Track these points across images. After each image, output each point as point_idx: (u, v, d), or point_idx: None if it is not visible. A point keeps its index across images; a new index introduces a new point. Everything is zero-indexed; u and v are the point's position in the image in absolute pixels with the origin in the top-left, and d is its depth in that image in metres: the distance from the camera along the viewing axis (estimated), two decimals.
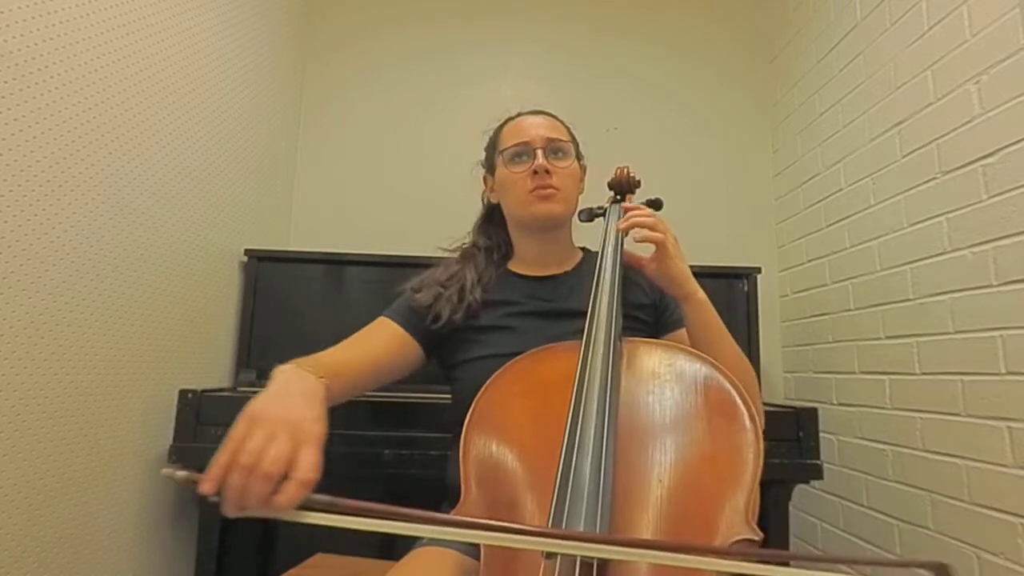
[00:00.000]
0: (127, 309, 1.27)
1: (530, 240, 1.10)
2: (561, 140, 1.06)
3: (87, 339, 1.16)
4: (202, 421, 1.37)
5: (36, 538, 1.06)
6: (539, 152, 1.03)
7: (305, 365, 0.77)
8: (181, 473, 0.56)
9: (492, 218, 1.16)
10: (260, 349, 1.72)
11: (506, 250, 1.15)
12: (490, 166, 1.12)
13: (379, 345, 1.01)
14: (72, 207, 1.11)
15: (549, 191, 1.02)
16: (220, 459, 0.58)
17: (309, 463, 0.59)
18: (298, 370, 0.76)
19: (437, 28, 2.25)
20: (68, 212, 1.10)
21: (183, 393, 1.38)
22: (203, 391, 1.39)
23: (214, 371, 1.65)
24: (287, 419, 0.63)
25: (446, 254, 1.15)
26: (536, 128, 1.06)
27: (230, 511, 0.57)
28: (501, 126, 1.12)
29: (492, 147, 1.12)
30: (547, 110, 1.13)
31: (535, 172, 1.02)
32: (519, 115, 1.11)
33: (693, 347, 0.94)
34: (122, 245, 1.24)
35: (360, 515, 0.53)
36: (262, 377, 1.67)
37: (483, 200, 1.19)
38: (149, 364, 1.35)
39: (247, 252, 1.76)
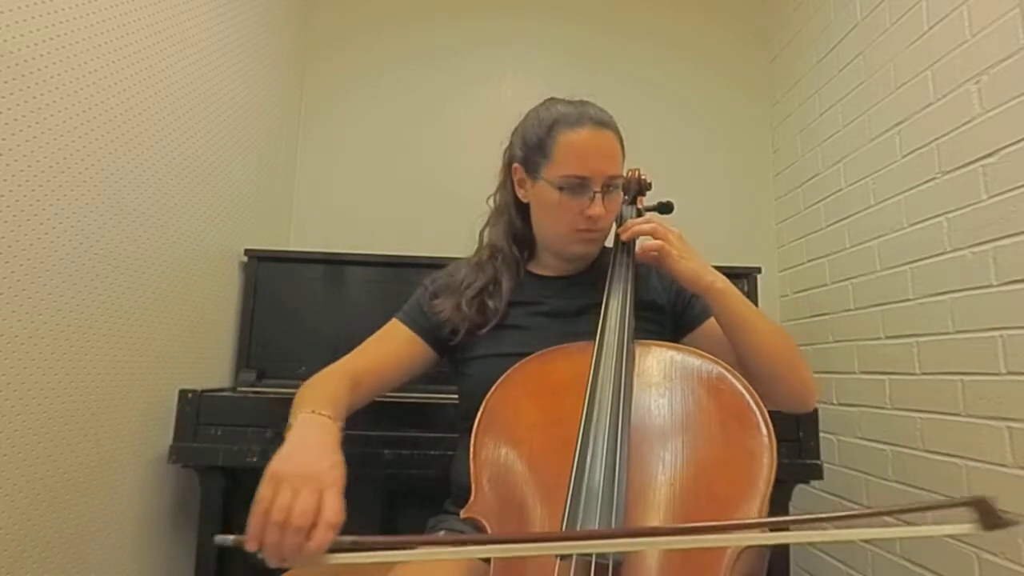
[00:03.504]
0: (127, 309, 1.27)
1: (554, 257, 1.07)
2: (618, 176, 0.97)
3: (87, 339, 1.16)
4: (202, 421, 1.37)
5: (36, 538, 1.06)
6: (598, 196, 0.93)
7: (321, 406, 0.82)
8: (231, 538, 0.63)
9: (520, 216, 1.07)
10: (260, 349, 1.72)
11: (529, 252, 1.09)
12: (531, 168, 1.00)
13: (394, 350, 1.03)
14: (72, 207, 1.11)
15: (596, 235, 0.99)
16: (254, 520, 0.64)
17: (333, 508, 0.65)
18: (313, 417, 0.80)
19: (437, 28, 2.25)
20: (68, 212, 1.10)
21: (183, 393, 1.38)
22: (203, 391, 1.39)
23: (214, 371, 1.65)
24: (306, 473, 0.68)
25: (469, 255, 1.10)
26: (599, 161, 0.94)
27: (272, 563, 0.63)
28: (556, 131, 0.96)
29: (539, 150, 0.97)
30: (605, 114, 0.99)
31: (589, 216, 0.94)
32: (580, 125, 0.95)
33: (726, 336, 0.94)
34: (122, 245, 1.24)
35: (385, 548, 0.59)
36: (262, 377, 1.68)
37: (507, 186, 1.07)
38: (149, 364, 1.35)
39: (247, 252, 1.76)
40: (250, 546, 0.63)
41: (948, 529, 0.50)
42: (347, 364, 0.98)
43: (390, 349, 1.03)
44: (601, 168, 0.94)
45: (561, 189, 0.95)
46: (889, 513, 0.59)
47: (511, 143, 1.07)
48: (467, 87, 2.21)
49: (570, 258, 1.05)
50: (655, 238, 0.93)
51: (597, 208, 0.94)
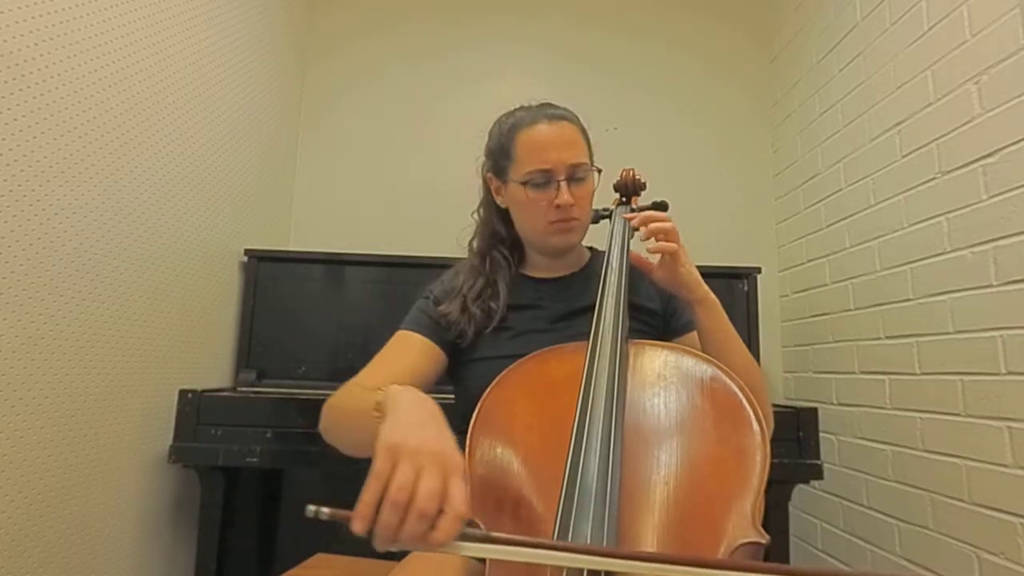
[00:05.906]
0: (127, 309, 1.27)
1: (541, 255, 1.09)
2: (582, 164, 0.99)
3: (87, 339, 1.16)
4: (202, 421, 1.37)
5: (36, 538, 1.06)
6: (563, 184, 0.96)
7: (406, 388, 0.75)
8: (327, 510, 0.54)
9: (503, 222, 1.10)
10: (260, 349, 1.72)
11: (520, 253, 1.11)
12: (500, 173, 1.04)
13: (414, 361, 0.98)
14: (72, 207, 1.11)
15: (571, 223, 0.99)
16: (368, 497, 0.56)
17: (461, 497, 0.57)
18: (415, 392, 0.73)
19: (437, 28, 2.25)
20: (68, 212, 1.10)
21: (183, 393, 1.38)
22: (203, 391, 1.39)
23: (214, 371, 1.66)
24: (431, 450, 0.60)
25: (466, 255, 1.12)
26: (559, 151, 0.97)
27: (382, 546, 0.56)
28: (514, 133, 1.01)
29: (503, 154, 1.02)
30: (562, 110, 1.03)
31: (558, 206, 0.96)
32: (535, 123, 1.00)
33: (703, 350, 0.93)
34: (122, 245, 1.24)
35: (515, 545, 0.54)
36: (262, 377, 1.68)
37: (487, 197, 1.12)
38: (149, 364, 1.35)
39: (247, 252, 1.77)
40: (357, 526, 0.55)
41: None
42: (365, 382, 0.90)
43: (410, 361, 0.98)
44: (561, 158, 0.97)
45: (527, 185, 0.98)
46: None
47: (484, 156, 1.10)
48: (467, 87, 2.21)
49: (553, 252, 1.06)
50: (670, 240, 0.92)
51: (564, 196, 0.96)
